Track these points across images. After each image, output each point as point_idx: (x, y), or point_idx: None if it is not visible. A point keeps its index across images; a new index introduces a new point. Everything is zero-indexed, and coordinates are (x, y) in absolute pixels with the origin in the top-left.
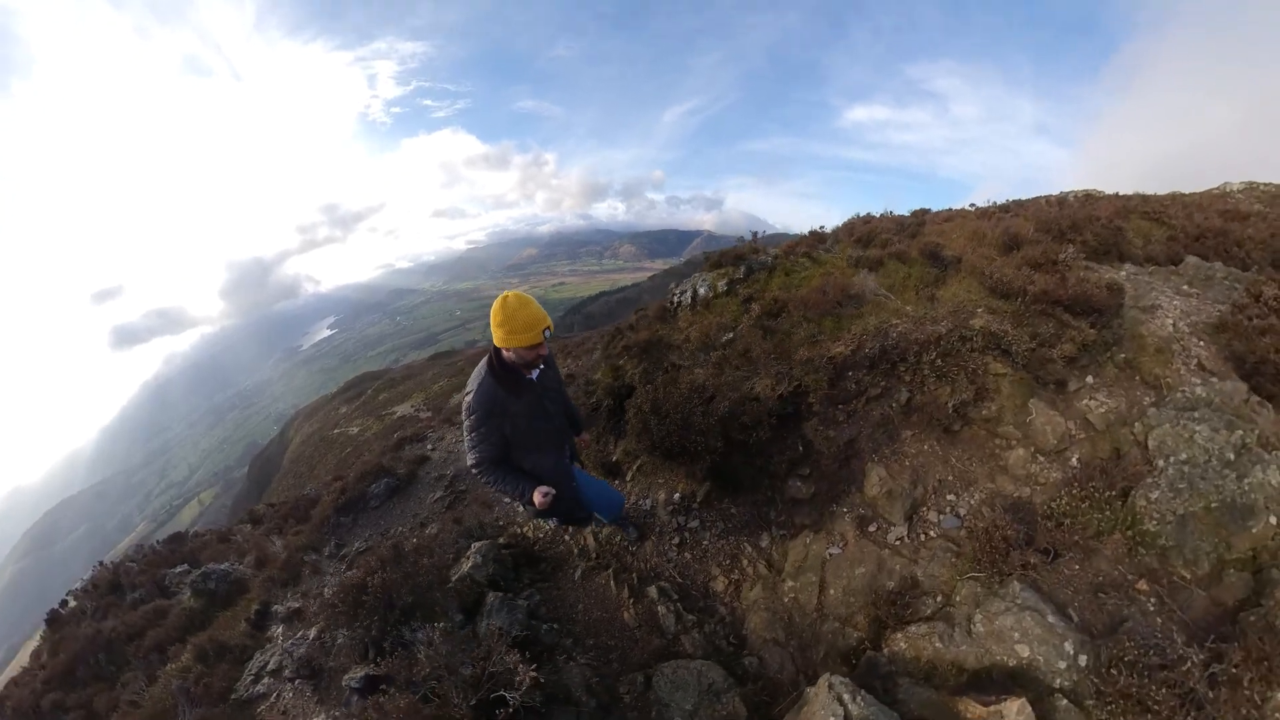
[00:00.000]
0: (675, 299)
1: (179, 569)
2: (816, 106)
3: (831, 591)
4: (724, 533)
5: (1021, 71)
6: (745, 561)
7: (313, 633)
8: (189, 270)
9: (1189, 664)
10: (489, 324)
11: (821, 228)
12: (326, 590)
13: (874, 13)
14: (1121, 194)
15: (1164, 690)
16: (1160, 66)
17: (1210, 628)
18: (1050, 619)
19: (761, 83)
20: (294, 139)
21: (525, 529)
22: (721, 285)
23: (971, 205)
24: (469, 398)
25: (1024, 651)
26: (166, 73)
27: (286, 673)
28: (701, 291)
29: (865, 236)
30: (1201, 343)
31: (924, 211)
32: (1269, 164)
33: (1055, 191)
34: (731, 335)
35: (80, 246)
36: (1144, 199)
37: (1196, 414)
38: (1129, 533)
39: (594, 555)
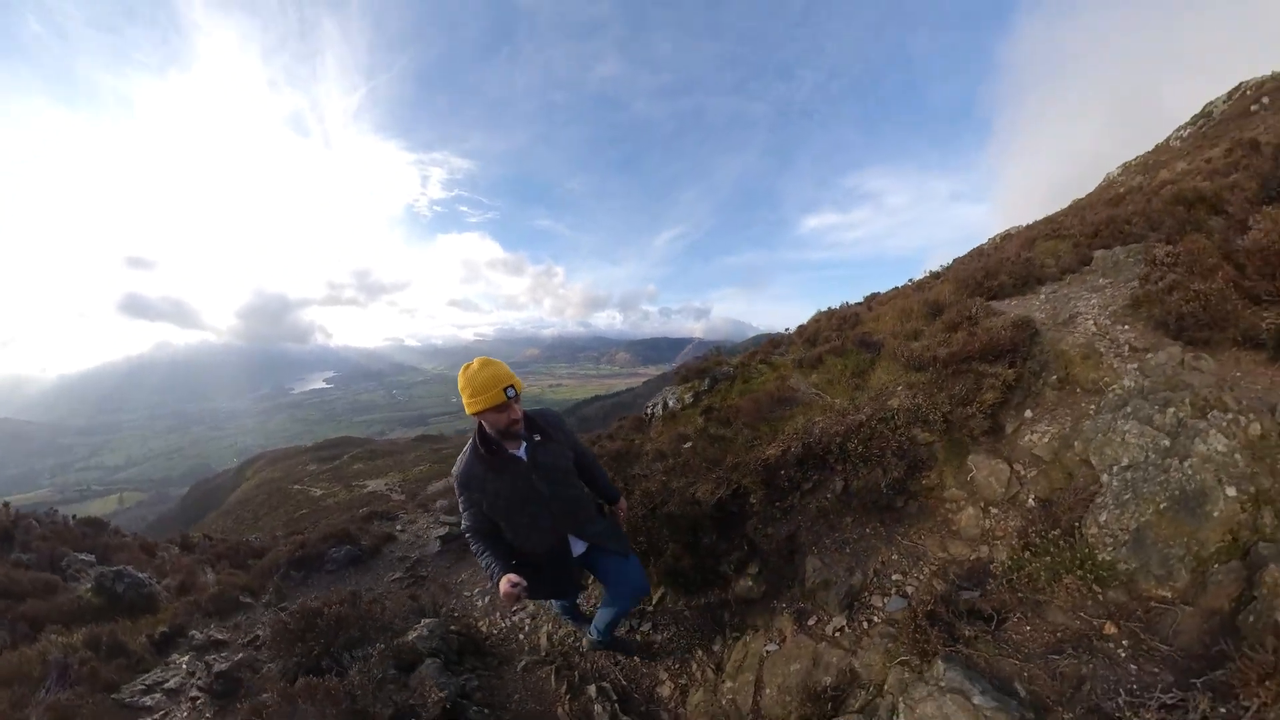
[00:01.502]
0: (650, 411)
1: (85, 556)
2: (777, 223)
3: (768, 691)
4: (676, 635)
5: (929, 159)
6: (695, 665)
7: (241, 654)
8: (220, 279)
9: (1184, 708)
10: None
11: (787, 329)
12: (267, 620)
13: (809, 143)
14: (1032, 223)
15: None
16: (1028, 120)
17: (1208, 651)
18: (977, 699)
19: (732, 209)
20: (352, 208)
21: (480, 623)
22: (688, 397)
23: (910, 280)
24: (455, 466)
25: None
26: (276, 120)
27: (193, 690)
28: (670, 404)
29: (812, 335)
30: (1125, 326)
31: (873, 296)
32: (1131, 145)
33: (984, 239)
34: (690, 444)
35: (141, 211)
36: (1048, 221)
37: (1129, 408)
38: (1080, 571)
39: (543, 652)
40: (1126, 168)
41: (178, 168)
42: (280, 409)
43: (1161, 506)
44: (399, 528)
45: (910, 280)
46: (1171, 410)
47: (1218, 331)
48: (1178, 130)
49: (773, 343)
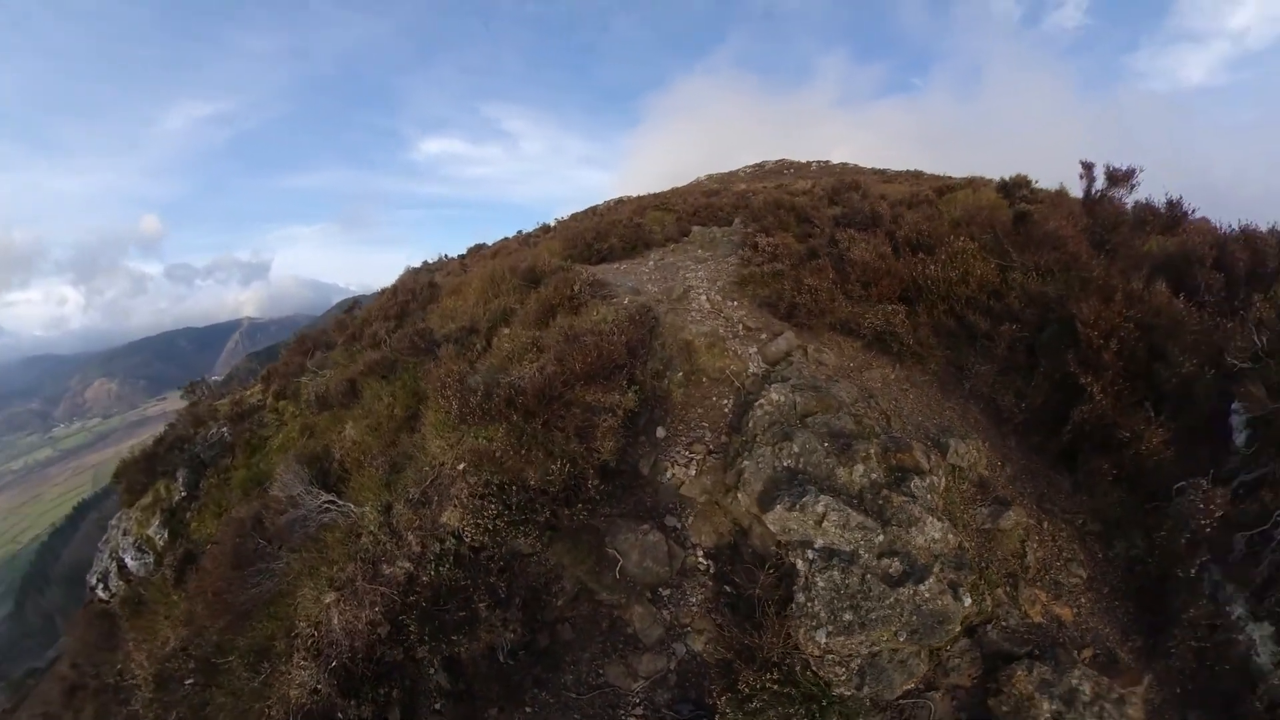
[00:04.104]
0: (98, 587)
1: None
2: (387, 135)
3: None
4: None
5: (574, 118)
6: None
7: None
8: None
9: None
10: None
11: (354, 302)
12: None
13: (464, 49)
14: (643, 195)
15: None
16: (663, 127)
17: None
18: None
19: (325, 96)
20: None
21: None
22: (155, 532)
23: (519, 232)
24: None
25: None
26: None
27: None
28: (130, 562)
29: (360, 328)
30: (734, 302)
31: (477, 249)
32: (713, 166)
33: (604, 200)
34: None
35: None
36: (657, 196)
37: (795, 447)
38: (825, 716)
39: None
40: (711, 177)
41: None
42: None
43: (901, 637)
44: None
45: (519, 232)
46: (859, 468)
47: (819, 319)
48: (744, 167)
49: (303, 348)
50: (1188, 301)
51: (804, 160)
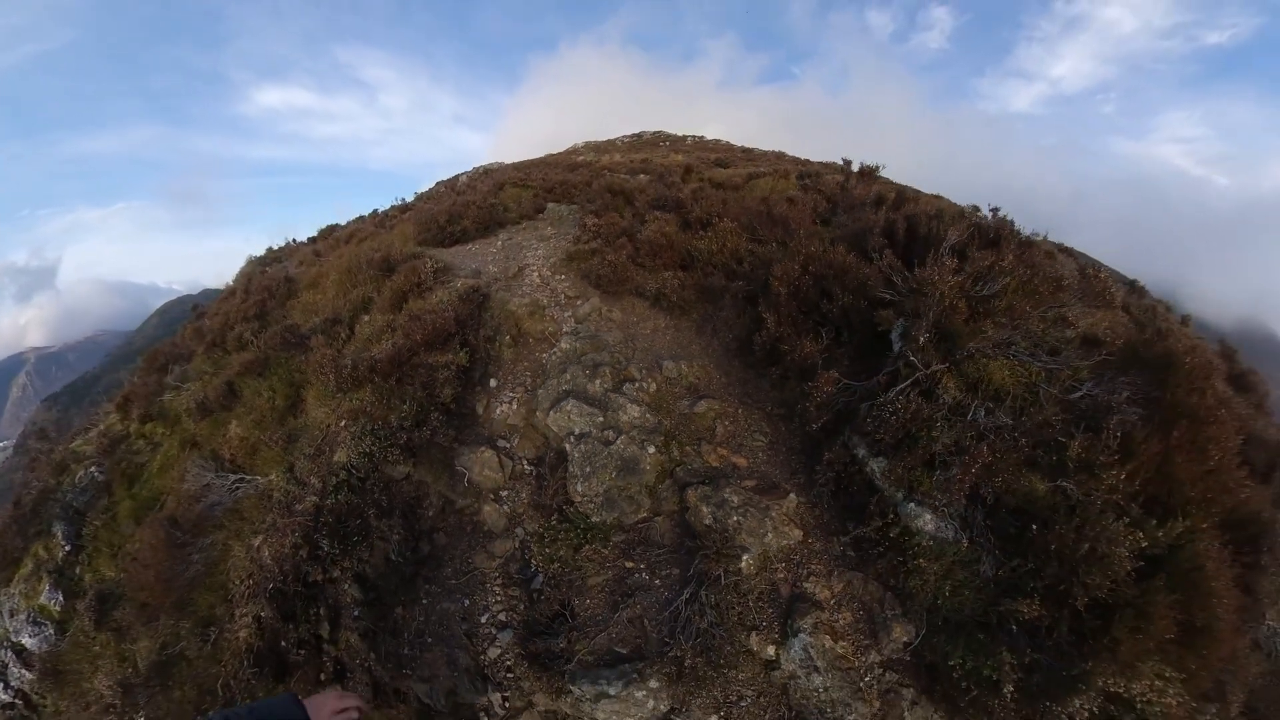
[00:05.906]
0: (2, 689)
1: None
2: (209, 79)
3: None
4: None
5: (446, 71)
6: None
7: None
8: None
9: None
10: None
11: (197, 308)
12: None
13: None
14: (507, 166)
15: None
16: (544, 93)
17: (682, 543)
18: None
19: (120, 22)
20: None
21: None
22: (50, 598)
23: (376, 211)
24: None
25: None
26: None
27: None
28: (29, 641)
29: (221, 331)
30: (562, 276)
31: (330, 230)
32: (592, 134)
33: (471, 167)
34: None
35: None
36: (519, 167)
37: (568, 375)
38: (587, 536)
39: None
40: (588, 145)
41: None
42: None
43: (614, 475)
44: None
45: (375, 212)
46: (599, 381)
47: (621, 286)
48: (622, 136)
49: (156, 364)
50: (859, 259)
51: (681, 134)
